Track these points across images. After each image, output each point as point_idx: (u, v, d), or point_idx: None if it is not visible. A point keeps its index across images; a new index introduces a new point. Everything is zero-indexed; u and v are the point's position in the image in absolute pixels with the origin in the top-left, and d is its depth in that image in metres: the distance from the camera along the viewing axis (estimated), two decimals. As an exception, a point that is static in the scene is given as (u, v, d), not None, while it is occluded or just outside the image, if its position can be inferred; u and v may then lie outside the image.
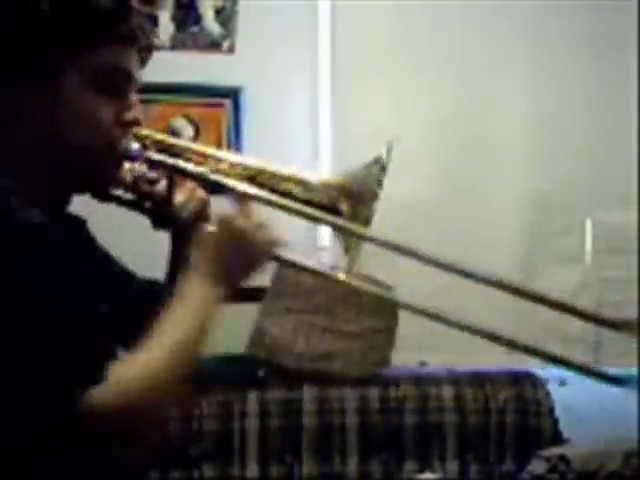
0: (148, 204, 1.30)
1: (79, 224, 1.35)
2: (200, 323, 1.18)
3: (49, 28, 1.17)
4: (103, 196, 1.30)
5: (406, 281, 2.95)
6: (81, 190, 1.28)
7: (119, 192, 1.31)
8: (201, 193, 1.28)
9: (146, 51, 1.27)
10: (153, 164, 1.29)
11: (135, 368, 1.10)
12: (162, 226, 1.29)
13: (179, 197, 1.27)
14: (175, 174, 1.28)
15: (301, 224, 2.85)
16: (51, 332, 1.07)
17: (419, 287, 3.08)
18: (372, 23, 3.04)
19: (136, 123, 1.25)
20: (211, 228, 1.22)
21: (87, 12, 1.18)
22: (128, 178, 1.29)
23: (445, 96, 3.05)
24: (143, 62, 1.28)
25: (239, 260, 1.22)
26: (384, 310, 2.76)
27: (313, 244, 2.91)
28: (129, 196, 1.31)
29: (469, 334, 1.31)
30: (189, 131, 2.97)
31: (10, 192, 1.15)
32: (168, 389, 1.13)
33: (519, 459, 2.69)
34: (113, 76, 1.22)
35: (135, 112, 1.25)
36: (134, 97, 1.26)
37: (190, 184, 1.28)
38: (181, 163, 1.29)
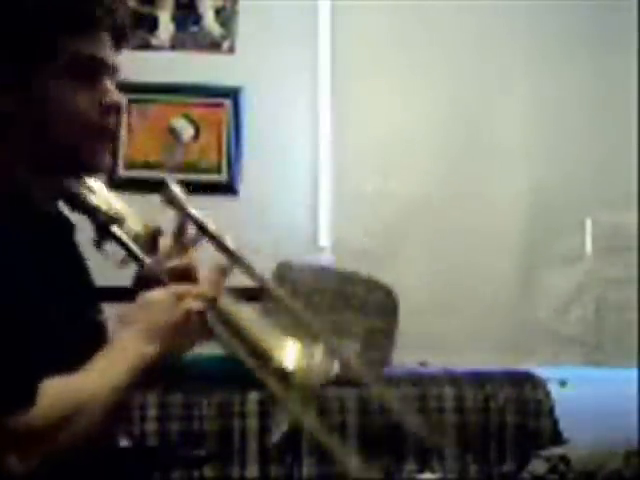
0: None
1: (69, 228, 1.35)
2: (129, 377, 1.18)
3: (30, 24, 1.19)
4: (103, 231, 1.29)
5: (406, 282, 2.96)
6: (74, 176, 1.29)
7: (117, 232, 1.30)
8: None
9: (119, 33, 1.28)
10: None
11: (63, 399, 1.11)
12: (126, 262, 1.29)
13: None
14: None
15: (301, 224, 2.85)
16: None
17: (419, 288, 3.10)
18: (372, 23, 3.04)
19: (117, 106, 1.26)
20: (154, 295, 1.22)
21: (60, 5, 1.20)
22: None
23: (445, 96, 3.06)
24: (118, 45, 1.28)
25: (171, 333, 1.21)
26: (384, 310, 2.76)
27: (313, 244, 2.91)
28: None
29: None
30: (189, 131, 2.96)
31: None
32: (89, 424, 1.13)
33: (519, 459, 2.69)
34: (87, 64, 1.23)
35: (115, 95, 1.26)
36: (110, 82, 1.26)
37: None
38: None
